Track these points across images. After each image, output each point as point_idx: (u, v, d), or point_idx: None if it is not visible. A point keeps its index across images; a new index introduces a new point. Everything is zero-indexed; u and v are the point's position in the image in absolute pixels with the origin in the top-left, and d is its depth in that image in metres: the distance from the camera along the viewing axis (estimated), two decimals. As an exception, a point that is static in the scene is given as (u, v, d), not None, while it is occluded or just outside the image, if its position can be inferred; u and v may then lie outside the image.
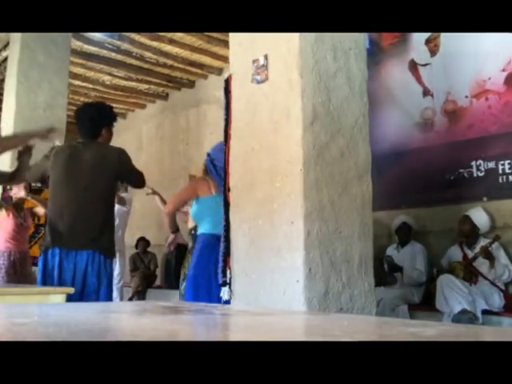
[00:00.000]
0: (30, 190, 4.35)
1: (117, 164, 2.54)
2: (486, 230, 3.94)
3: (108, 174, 2.52)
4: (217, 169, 2.71)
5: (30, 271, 4.56)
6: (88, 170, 2.48)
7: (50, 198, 2.57)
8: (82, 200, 2.46)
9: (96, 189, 2.48)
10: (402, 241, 4.39)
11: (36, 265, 5.17)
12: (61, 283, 2.38)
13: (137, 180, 2.74)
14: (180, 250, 5.84)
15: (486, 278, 3.75)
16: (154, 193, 4.59)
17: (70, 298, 2.13)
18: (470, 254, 3.88)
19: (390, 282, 4.18)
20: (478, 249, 3.81)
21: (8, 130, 4.91)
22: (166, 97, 8.03)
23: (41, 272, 2.45)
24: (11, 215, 4.36)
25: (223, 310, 1.30)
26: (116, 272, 3.79)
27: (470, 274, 3.80)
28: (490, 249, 3.71)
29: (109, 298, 2.51)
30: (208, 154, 2.83)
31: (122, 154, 2.59)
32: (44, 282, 2.42)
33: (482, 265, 3.79)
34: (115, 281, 3.66)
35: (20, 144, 2.80)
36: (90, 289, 2.41)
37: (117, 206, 3.66)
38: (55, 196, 2.55)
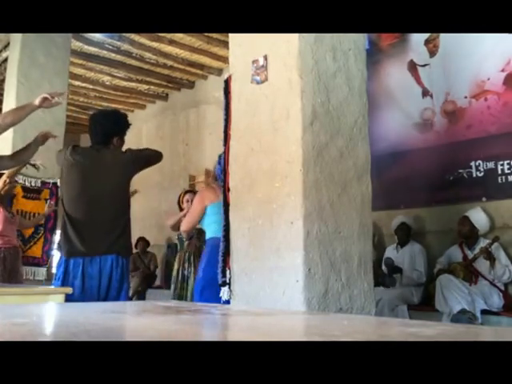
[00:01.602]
0: (27, 190, 4.34)
1: (131, 164, 2.55)
2: (486, 230, 3.94)
3: (124, 177, 2.54)
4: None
5: (21, 271, 4.50)
6: (106, 176, 2.48)
7: (67, 204, 2.51)
8: (102, 206, 2.45)
9: (114, 193, 2.48)
10: (401, 241, 4.40)
11: (32, 264, 5.15)
12: (85, 290, 2.36)
13: (155, 159, 2.72)
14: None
15: (486, 278, 3.76)
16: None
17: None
18: (470, 255, 3.88)
19: (390, 283, 4.19)
20: (477, 249, 3.81)
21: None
22: (165, 97, 8.04)
23: (60, 280, 2.40)
24: (0, 208, 4.22)
25: (223, 310, 1.30)
26: None
27: (470, 275, 3.80)
28: (489, 249, 3.71)
29: (127, 299, 2.50)
30: (219, 161, 2.82)
31: (131, 153, 2.59)
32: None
33: (482, 265, 3.79)
34: None
35: (31, 155, 2.89)
36: (112, 293, 2.40)
37: None
38: (74, 205, 2.49)
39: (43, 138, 2.79)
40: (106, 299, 2.38)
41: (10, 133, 4.86)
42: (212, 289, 2.55)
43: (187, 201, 4.12)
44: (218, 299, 2.47)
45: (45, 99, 2.51)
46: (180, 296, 4.09)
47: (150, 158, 2.68)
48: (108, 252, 2.40)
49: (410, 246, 4.33)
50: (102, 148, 2.56)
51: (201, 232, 4.01)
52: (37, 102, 2.52)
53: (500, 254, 3.77)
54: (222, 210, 2.54)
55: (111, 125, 2.61)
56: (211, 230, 2.80)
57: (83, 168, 2.49)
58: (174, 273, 4.23)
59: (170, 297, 5.40)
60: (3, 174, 4.03)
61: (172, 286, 4.24)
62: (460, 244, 4.01)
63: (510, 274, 3.71)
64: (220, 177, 2.76)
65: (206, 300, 2.52)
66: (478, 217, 3.92)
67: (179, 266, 4.20)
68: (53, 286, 2.47)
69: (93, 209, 2.45)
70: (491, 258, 3.70)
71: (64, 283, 2.38)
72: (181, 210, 4.15)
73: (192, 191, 4.37)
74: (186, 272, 4.10)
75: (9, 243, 4.29)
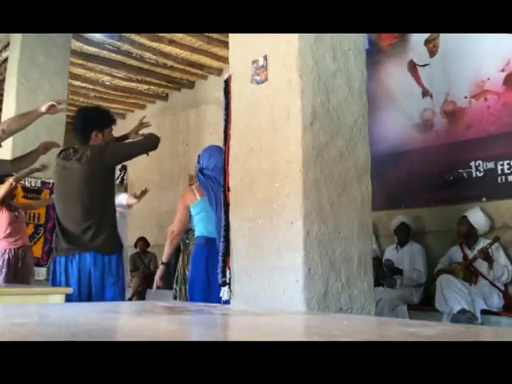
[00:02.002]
0: (27, 190, 4.34)
1: (97, 157, 2.48)
2: (485, 230, 3.94)
3: (92, 171, 2.48)
4: (205, 176, 2.78)
5: (31, 269, 4.49)
6: (75, 173, 2.49)
7: (56, 204, 2.63)
8: (73, 204, 2.49)
9: (83, 189, 2.47)
10: (400, 241, 4.40)
11: (37, 265, 5.15)
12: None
13: (145, 146, 2.71)
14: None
15: (486, 278, 3.76)
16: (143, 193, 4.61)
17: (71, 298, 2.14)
18: (470, 255, 3.89)
19: (390, 284, 4.19)
20: (477, 250, 3.81)
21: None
22: (165, 97, 8.04)
23: (51, 281, 2.50)
24: (4, 210, 4.19)
25: (223, 310, 1.30)
26: None
27: (470, 275, 3.80)
28: (489, 250, 3.71)
29: (117, 297, 2.47)
30: (198, 161, 2.89)
31: (101, 146, 2.54)
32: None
33: (482, 265, 3.79)
34: None
35: (32, 163, 2.95)
36: (95, 291, 2.42)
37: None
38: (57, 206, 2.61)
39: (45, 148, 2.81)
40: (89, 298, 2.39)
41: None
42: (197, 288, 2.62)
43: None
44: (206, 298, 2.52)
45: (51, 106, 2.53)
46: (183, 299, 4.06)
47: (131, 147, 2.71)
48: (84, 250, 2.43)
49: (409, 246, 4.33)
50: (81, 146, 2.58)
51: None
52: (43, 109, 2.55)
53: (499, 255, 3.77)
54: (202, 209, 2.61)
55: (85, 120, 2.62)
56: (197, 229, 2.89)
57: (61, 169, 2.57)
58: (177, 274, 4.21)
59: (170, 297, 5.40)
60: (7, 177, 4.04)
61: (174, 287, 4.20)
62: (460, 244, 4.01)
63: (509, 275, 3.71)
64: (199, 177, 2.81)
65: (195, 299, 2.58)
66: (477, 217, 3.92)
67: (181, 267, 4.18)
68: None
69: (67, 208, 2.52)
70: (489, 259, 3.71)
71: (53, 282, 2.43)
72: None
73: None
74: (187, 274, 4.09)
75: (17, 243, 4.27)
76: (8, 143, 4.78)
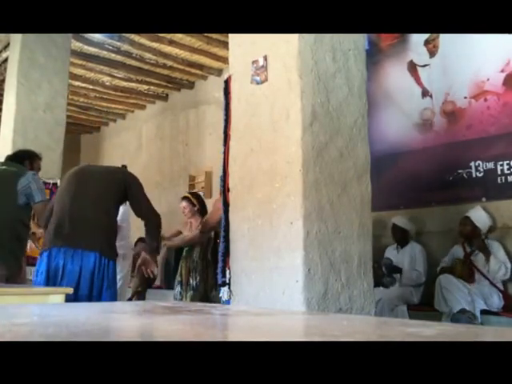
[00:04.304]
0: None
1: (123, 181, 2.67)
2: (487, 228, 3.94)
3: (113, 189, 2.64)
4: None
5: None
6: (95, 183, 2.63)
7: (58, 203, 2.65)
8: (86, 207, 2.56)
9: (100, 200, 2.58)
10: (398, 242, 4.40)
11: (31, 265, 5.14)
12: (63, 283, 2.41)
13: (145, 209, 2.74)
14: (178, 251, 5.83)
15: (484, 275, 3.75)
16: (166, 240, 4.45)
17: (73, 299, 2.15)
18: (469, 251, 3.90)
19: (388, 283, 4.19)
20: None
21: (8, 130, 4.92)
22: (165, 97, 8.04)
23: (45, 272, 2.46)
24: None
25: (223, 310, 1.30)
26: (119, 275, 3.75)
27: (467, 270, 3.79)
28: (485, 242, 3.71)
29: (109, 300, 2.50)
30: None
31: (129, 176, 2.75)
32: (47, 282, 2.45)
33: (479, 260, 3.79)
34: (119, 283, 3.64)
35: None
36: (96, 291, 2.45)
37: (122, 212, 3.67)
38: (63, 202, 2.62)
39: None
40: (90, 296, 2.44)
41: (10, 132, 4.87)
42: None
43: (184, 207, 4.10)
44: None
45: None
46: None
47: (142, 197, 2.79)
48: (89, 248, 2.49)
49: (409, 246, 4.33)
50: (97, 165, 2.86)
51: (209, 241, 3.96)
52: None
53: (498, 251, 3.77)
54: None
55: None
56: None
57: (73, 175, 2.76)
58: (180, 278, 4.11)
59: (170, 297, 5.38)
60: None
61: (179, 290, 4.11)
62: (462, 243, 4.00)
63: (507, 271, 3.71)
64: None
65: None
66: (479, 216, 3.92)
67: (185, 275, 4.08)
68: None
69: (78, 210, 2.62)
70: (485, 250, 3.70)
71: (48, 274, 2.45)
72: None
73: (188, 198, 4.26)
74: (192, 282, 4.01)
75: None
76: (8, 142, 4.79)
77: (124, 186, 2.65)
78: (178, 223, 6.34)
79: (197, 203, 4.06)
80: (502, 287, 3.76)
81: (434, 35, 4.53)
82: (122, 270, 3.57)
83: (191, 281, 3.98)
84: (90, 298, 2.40)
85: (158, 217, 2.75)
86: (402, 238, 4.36)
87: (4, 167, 3.14)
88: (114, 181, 2.67)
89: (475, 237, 3.91)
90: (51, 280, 2.43)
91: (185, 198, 4.21)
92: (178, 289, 4.08)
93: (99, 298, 2.43)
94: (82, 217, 2.52)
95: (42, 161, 3.48)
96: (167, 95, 8.01)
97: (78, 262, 2.43)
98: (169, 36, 5.88)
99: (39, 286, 2.42)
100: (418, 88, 4.65)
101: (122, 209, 3.56)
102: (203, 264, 3.96)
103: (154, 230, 2.74)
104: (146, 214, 2.71)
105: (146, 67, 6.89)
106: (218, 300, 3.17)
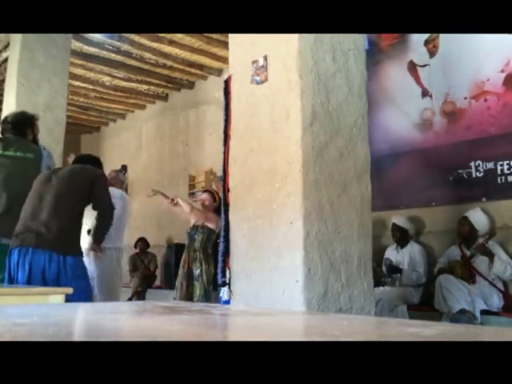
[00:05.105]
0: None
1: (88, 178, 2.77)
2: (485, 231, 3.94)
3: (75, 186, 2.74)
4: None
5: None
6: (59, 183, 2.71)
7: (23, 209, 2.73)
8: (42, 207, 2.64)
9: (60, 199, 2.66)
10: (398, 242, 4.40)
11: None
12: (17, 281, 2.51)
13: (101, 204, 2.85)
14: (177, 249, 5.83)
15: (484, 277, 3.75)
16: (155, 193, 4.61)
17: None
18: (469, 254, 3.89)
19: (388, 283, 4.19)
20: (474, 247, 3.82)
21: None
22: (165, 97, 8.04)
23: (7, 270, 2.59)
24: None
25: (223, 310, 1.30)
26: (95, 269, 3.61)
27: (467, 272, 3.80)
28: (486, 245, 3.71)
29: (76, 298, 2.25)
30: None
31: (94, 172, 2.84)
32: (8, 281, 2.56)
33: (481, 263, 3.78)
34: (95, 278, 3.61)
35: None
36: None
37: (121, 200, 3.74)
38: (26, 206, 2.72)
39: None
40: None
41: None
42: None
43: (205, 199, 4.19)
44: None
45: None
46: (188, 294, 4.00)
47: (103, 194, 2.88)
48: (40, 247, 2.56)
49: (409, 246, 4.33)
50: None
51: (211, 232, 4.02)
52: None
53: (499, 252, 3.77)
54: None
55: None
56: None
57: (42, 178, 2.89)
58: (181, 270, 4.15)
59: (170, 297, 5.38)
60: None
61: (177, 284, 4.14)
62: (459, 244, 4.01)
63: None
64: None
65: None
66: (478, 217, 3.92)
67: (187, 263, 4.12)
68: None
69: (40, 210, 2.72)
70: (489, 253, 3.70)
71: (9, 272, 2.56)
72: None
73: (211, 193, 4.36)
74: (195, 271, 4.05)
75: None
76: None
77: (89, 183, 2.75)
78: (179, 223, 6.36)
79: (217, 201, 4.13)
80: (502, 287, 3.76)
81: (434, 35, 4.53)
82: (100, 264, 3.43)
83: (194, 270, 4.03)
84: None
85: (107, 212, 2.89)
86: (401, 237, 4.36)
87: (19, 154, 3.09)
88: (77, 179, 2.77)
89: (472, 238, 3.91)
90: (10, 278, 2.56)
91: (207, 191, 4.34)
92: (179, 279, 4.12)
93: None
94: (36, 217, 2.62)
95: (38, 120, 3.46)
96: (167, 95, 8.01)
97: (28, 260, 2.51)
98: (169, 36, 5.88)
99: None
100: (418, 88, 4.65)
101: (120, 202, 3.62)
102: (204, 255, 4.02)
103: (101, 223, 2.93)
104: (102, 208, 2.87)
105: (146, 67, 6.89)
106: (216, 297, 3.21)
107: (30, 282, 2.48)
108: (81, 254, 2.74)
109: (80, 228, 2.77)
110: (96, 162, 3.06)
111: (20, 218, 2.69)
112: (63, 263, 2.54)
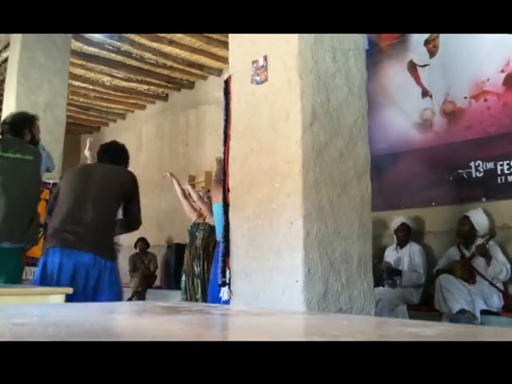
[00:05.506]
0: None
1: (127, 183, 2.71)
2: (485, 232, 3.94)
3: (116, 189, 2.67)
4: None
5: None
6: (97, 184, 2.64)
7: (59, 204, 2.67)
8: (85, 208, 2.58)
9: (101, 201, 2.61)
10: (400, 241, 4.40)
11: (32, 265, 5.13)
12: (59, 282, 2.42)
13: (135, 212, 2.78)
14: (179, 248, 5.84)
15: (484, 277, 3.76)
16: (172, 176, 4.65)
17: (70, 298, 2.15)
18: (468, 255, 3.89)
19: (388, 285, 4.20)
20: (474, 246, 3.82)
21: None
22: (165, 97, 8.04)
23: (40, 272, 2.50)
24: None
25: (223, 310, 1.30)
26: None
27: (467, 273, 3.80)
28: (486, 246, 3.71)
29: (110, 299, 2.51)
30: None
31: (133, 178, 2.76)
32: (42, 281, 2.47)
33: (481, 264, 3.79)
34: None
35: None
36: (91, 290, 2.48)
37: None
38: (63, 203, 2.65)
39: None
40: (83, 294, 2.46)
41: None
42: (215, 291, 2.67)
43: (204, 195, 4.24)
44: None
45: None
46: (191, 294, 4.04)
47: (137, 201, 2.80)
48: (85, 249, 2.51)
49: (409, 246, 4.34)
50: (102, 164, 2.88)
51: (212, 229, 4.05)
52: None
53: (497, 253, 3.77)
54: (220, 213, 2.60)
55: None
56: (219, 230, 2.93)
57: (74, 176, 2.83)
58: (184, 267, 4.19)
59: (170, 297, 5.38)
60: None
61: (183, 279, 4.17)
62: (458, 244, 4.01)
63: (508, 273, 3.71)
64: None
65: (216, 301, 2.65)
66: (479, 218, 3.92)
67: (189, 261, 4.15)
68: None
69: (77, 211, 2.65)
70: (486, 255, 3.70)
71: (44, 273, 2.49)
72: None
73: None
74: (196, 269, 4.08)
75: None
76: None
77: (128, 188, 2.70)
78: (179, 223, 6.36)
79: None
80: (502, 287, 3.76)
81: (434, 35, 4.53)
82: None
83: (195, 268, 4.04)
84: (85, 296, 2.42)
85: (139, 225, 2.82)
86: (406, 237, 4.36)
87: (18, 155, 3.06)
88: (118, 181, 2.70)
89: (471, 237, 3.91)
90: (47, 278, 2.47)
91: (191, 177, 4.43)
92: (183, 278, 4.14)
93: (94, 297, 2.45)
94: (79, 218, 2.55)
95: (38, 120, 3.41)
96: (167, 95, 8.01)
97: (73, 261, 2.46)
98: (169, 36, 5.88)
99: (37, 286, 2.43)
100: (418, 88, 4.65)
101: None
102: (205, 253, 4.04)
103: (127, 230, 2.88)
104: (133, 219, 2.79)
105: (146, 67, 6.89)
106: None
107: (72, 284, 2.40)
108: (116, 258, 2.72)
109: (114, 232, 2.75)
110: (124, 155, 2.97)
111: (54, 215, 2.63)
112: (104, 267, 2.51)
